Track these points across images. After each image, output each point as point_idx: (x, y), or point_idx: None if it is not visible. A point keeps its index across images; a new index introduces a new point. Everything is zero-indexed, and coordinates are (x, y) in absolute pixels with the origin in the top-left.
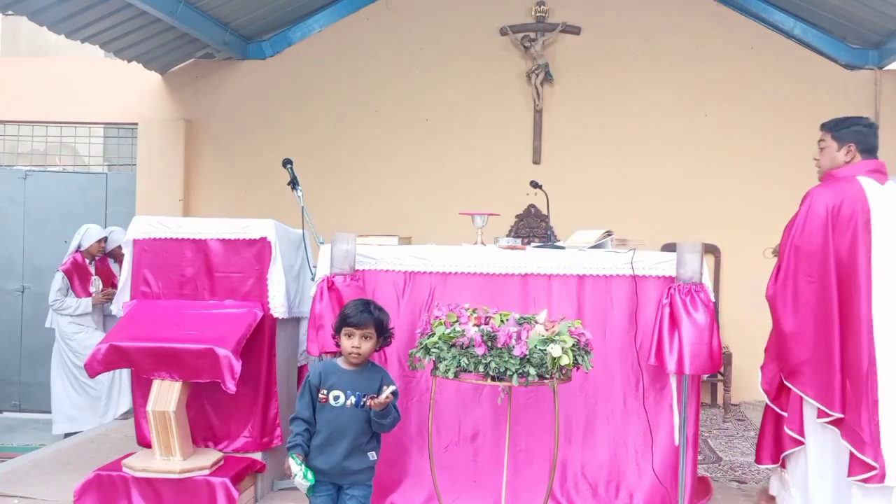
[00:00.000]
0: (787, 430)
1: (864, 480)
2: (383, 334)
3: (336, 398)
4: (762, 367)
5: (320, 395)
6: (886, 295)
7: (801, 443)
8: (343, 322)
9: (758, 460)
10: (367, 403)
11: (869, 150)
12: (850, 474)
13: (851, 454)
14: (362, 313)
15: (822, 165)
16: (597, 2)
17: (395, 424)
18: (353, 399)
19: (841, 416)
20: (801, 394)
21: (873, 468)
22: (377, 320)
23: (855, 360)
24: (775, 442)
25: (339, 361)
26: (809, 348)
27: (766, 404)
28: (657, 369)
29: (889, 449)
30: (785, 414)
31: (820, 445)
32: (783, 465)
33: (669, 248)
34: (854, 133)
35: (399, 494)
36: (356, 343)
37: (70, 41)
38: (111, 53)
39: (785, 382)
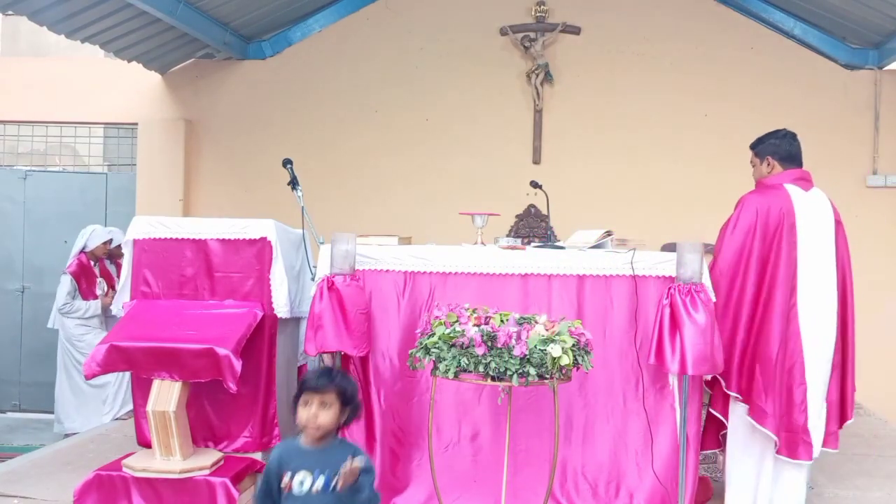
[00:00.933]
0: (710, 410)
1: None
2: (348, 404)
3: (301, 483)
4: None
5: (283, 483)
6: (809, 289)
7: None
8: (300, 388)
9: (702, 447)
10: (337, 484)
11: (787, 158)
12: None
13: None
14: (321, 377)
15: (755, 180)
16: (597, 2)
17: None
18: (321, 481)
19: (737, 395)
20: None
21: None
22: (339, 387)
23: (766, 348)
24: (716, 426)
25: (301, 440)
26: (726, 336)
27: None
28: (657, 369)
29: (815, 428)
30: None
31: (741, 425)
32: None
33: (669, 248)
34: (769, 146)
35: (399, 495)
36: (313, 411)
37: (70, 41)
38: (111, 53)
39: None
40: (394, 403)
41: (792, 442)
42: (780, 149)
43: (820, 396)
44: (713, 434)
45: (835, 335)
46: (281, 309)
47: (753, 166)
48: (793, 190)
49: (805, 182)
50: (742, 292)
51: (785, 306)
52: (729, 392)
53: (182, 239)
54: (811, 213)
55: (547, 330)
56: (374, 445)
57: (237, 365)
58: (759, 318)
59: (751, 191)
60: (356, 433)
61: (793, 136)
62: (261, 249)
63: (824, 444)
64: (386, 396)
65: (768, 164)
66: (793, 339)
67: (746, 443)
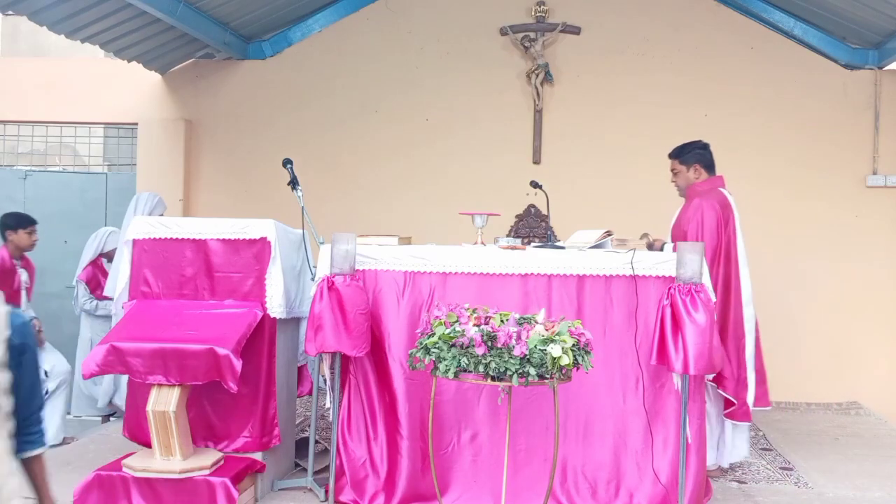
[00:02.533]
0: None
1: (730, 415)
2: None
3: None
4: None
5: None
6: (746, 275)
7: None
8: None
9: None
10: None
11: (710, 166)
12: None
13: (725, 399)
14: None
15: (680, 186)
16: (597, 2)
17: None
18: None
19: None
20: None
21: (733, 403)
22: None
23: (734, 323)
24: None
25: None
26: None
27: None
28: (657, 369)
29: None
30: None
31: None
32: None
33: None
34: (696, 155)
35: (399, 495)
36: None
37: (70, 41)
38: (111, 53)
39: None
40: (393, 404)
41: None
42: (704, 158)
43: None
44: None
45: (753, 312)
46: (276, 309)
47: (676, 173)
48: (726, 193)
49: (725, 186)
50: (717, 283)
51: (738, 291)
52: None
53: (182, 239)
54: (735, 211)
55: (547, 330)
56: (368, 446)
57: (237, 365)
58: (727, 304)
59: (699, 196)
60: (359, 432)
61: (709, 146)
62: (261, 249)
63: (756, 403)
64: (385, 397)
65: (696, 171)
66: (743, 321)
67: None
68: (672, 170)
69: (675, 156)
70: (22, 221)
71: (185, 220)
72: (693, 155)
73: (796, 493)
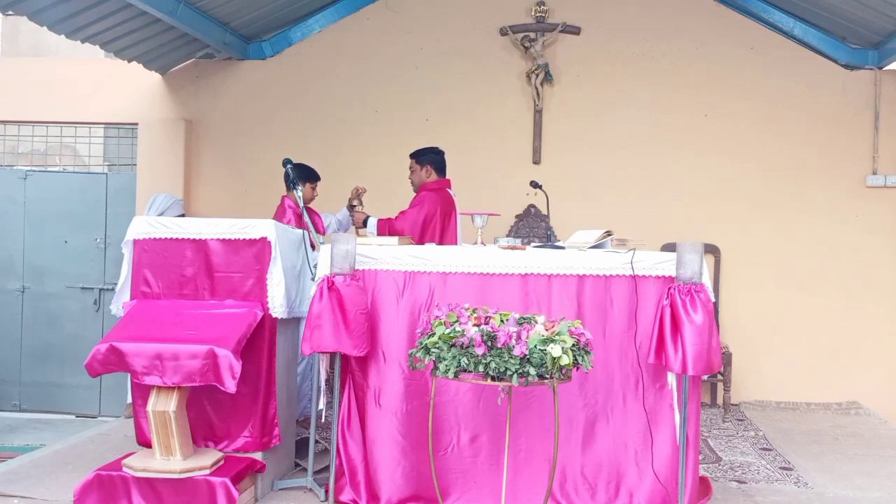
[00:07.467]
0: None
1: None
2: None
3: None
4: None
5: None
6: None
7: None
8: None
9: None
10: None
11: (441, 169)
12: None
13: None
14: None
15: (414, 182)
16: (597, 2)
17: None
18: None
19: None
20: None
21: None
22: None
23: None
24: None
25: None
26: None
27: None
28: (657, 369)
29: None
30: None
31: None
32: None
33: (669, 248)
34: (430, 157)
35: (400, 496)
36: None
37: (70, 41)
38: (111, 53)
39: None
40: (393, 404)
41: None
42: (437, 161)
43: None
44: None
45: None
46: (277, 309)
47: (413, 171)
48: (451, 193)
49: (451, 188)
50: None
51: None
52: None
53: (182, 239)
54: (457, 209)
55: (547, 330)
56: (368, 447)
57: (237, 365)
58: None
59: (429, 190)
60: (359, 432)
61: (444, 153)
62: (261, 249)
63: None
64: (385, 397)
65: (427, 171)
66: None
67: None
68: (410, 168)
69: (414, 156)
70: (310, 175)
71: (185, 220)
72: (427, 157)
73: (796, 493)
